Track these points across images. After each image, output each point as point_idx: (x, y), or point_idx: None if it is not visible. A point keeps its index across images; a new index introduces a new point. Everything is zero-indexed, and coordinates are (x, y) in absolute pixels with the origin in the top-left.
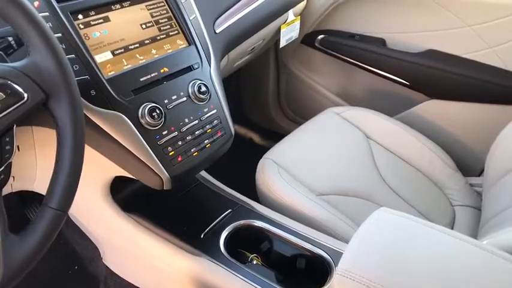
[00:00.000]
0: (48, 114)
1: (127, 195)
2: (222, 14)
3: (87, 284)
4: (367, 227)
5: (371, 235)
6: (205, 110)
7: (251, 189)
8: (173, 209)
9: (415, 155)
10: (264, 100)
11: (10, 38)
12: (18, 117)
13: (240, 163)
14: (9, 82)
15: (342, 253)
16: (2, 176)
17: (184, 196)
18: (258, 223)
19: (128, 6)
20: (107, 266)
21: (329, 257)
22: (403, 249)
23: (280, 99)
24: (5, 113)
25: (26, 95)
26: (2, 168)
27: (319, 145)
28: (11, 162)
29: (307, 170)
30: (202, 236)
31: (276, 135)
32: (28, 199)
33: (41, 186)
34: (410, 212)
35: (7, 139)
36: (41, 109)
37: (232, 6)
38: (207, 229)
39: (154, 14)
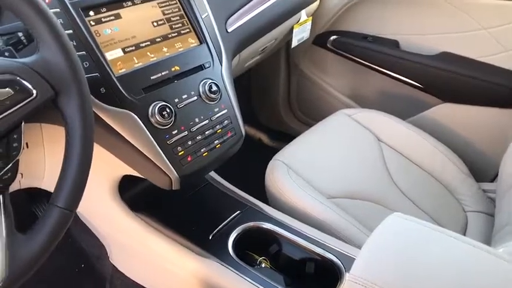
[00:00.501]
0: (57, 111)
1: (135, 195)
2: (234, 13)
3: (93, 282)
4: (380, 232)
5: (384, 241)
6: (216, 109)
7: (260, 190)
8: (181, 209)
9: (427, 159)
10: (274, 101)
11: (20, 34)
12: (27, 113)
13: (248, 164)
14: (18, 78)
15: (353, 258)
16: (9, 174)
17: (192, 196)
18: (267, 225)
19: (139, 3)
20: (113, 265)
21: (339, 262)
22: (416, 255)
23: (290, 100)
24: (14, 109)
25: (34, 92)
26: (9, 166)
27: (329, 147)
28: (18, 160)
29: (318, 172)
30: (210, 238)
31: (285, 136)
32: (36, 196)
33: (49, 183)
34: (421, 217)
35: (15, 136)
36: (50, 106)
37: (245, 5)
38: (216, 230)
39: (166, 12)
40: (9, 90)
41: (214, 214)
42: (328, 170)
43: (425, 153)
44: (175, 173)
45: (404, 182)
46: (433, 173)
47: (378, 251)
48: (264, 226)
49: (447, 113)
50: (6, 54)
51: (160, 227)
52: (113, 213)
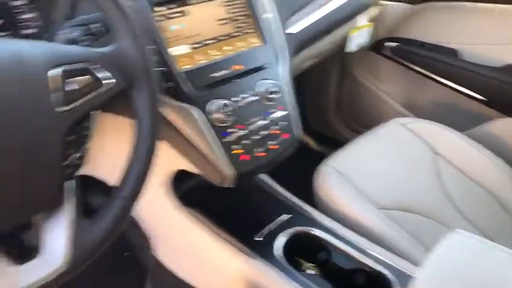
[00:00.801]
0: (127, 102)
1: (186, 190)
2: (294, 14)
3: (134, 271)
4: (443, 249)
5: (446, 259)
6: (274, 110)
7: (305, 194)
8: (229, 207)
9: (485, 175)
10: (324, 105)
11: (98, 25)
12: (101, 103)
13: (294, 166)
14: (93, 67)
15: (405, 272)
16: (78, 161)
17: (240, 195)
18: (316, 232)
19: (206, 1)
20: (155, 257)
21: (391, 275)
22: (481, 275)
23: (341, 105)
24: (87, 98)
25: (110, 81)
26: (80, 153)
27: (382, 156)
28: (87, 148)
29: (369, 181)
30: (257, 238)
31: (333, 142)
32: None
33: (104, 172)
34: (476, 234)
35: (85, 124)
36: (119, 97)
37: (305, 7)
38: (262, 231)
39: (231, 11)
40: (84, 78)
41: (261, 215)
42: (380, 179)
43: (483, 169)
44: (230, 170)
45: (459, 198)
46: (490, 190)
47: (440, 269)
48: (313, 232)
49: (509, 127)
50: (84, 43)
51: (208, 223)
52: (163, 206)
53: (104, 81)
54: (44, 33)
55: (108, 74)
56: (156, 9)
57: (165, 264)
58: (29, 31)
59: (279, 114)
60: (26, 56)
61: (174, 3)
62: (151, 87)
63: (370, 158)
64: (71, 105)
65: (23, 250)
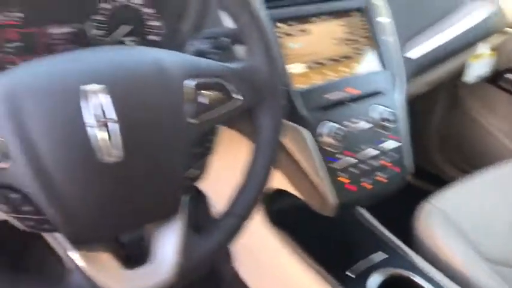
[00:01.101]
0: (250, 120)
1: (279, 209)
2: (414, 36)
3: (212, 281)
4: None
5: None
6: (387, 140)
7: (399, 231)
8: (321, 235)
9: None
10: (426, 137)
11: (226, 39)
12: (229, 118)
13: (390, 201)
14: (224, 82)
15: None
16: (197, 174)
17: (335, 225)
18: (417, 278)
19: (326, 20)
20: (235, 269)
21: None
22: None
23: (446, 139)
24: (217, 112)
25: (238, 97)
26: (202, 165)
27: (492, 200)
28: (208, 162)
29: (476, 227)
30: (349, 274)
31: (434, 179)
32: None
33: (208, 185)
34: None
35: (210, 137)
36: (244, 114)
37: (426, 29)
38: (355, 267)
39: (351, 31)
40: (215, 93)
41: (355, 249)
42: (491, 228)
43: None
44: (334, 199)
45: None
46: None
47: None
48: (413, 278)
49: None
50: (213, 57)
51: (298, 248)
52: (254, 222)
53: (234, 97)
54: (169, 41)
55: (238, 90)
56: (279, 25)
57: (244, 279)
58: (155, 38)
59: (391, 144)
60: (167, 64)
61: (296, 21)
62: (278, 108)
63: (480, 202)
64: (201, 118)
65: (132, 255)
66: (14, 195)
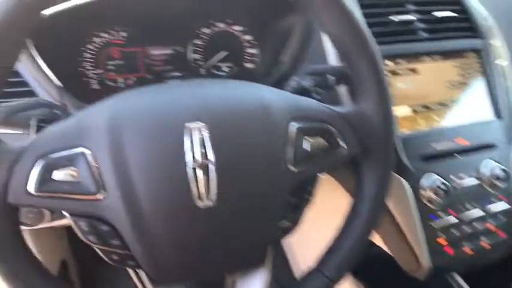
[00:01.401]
0: (353, 170)
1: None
2: None
3: None
4: None
5: None
6: (496, 200)
7: None
8: None
9: None
10: None
11: (332, 77)
12: (329, 167)
13: (490, 271)
14: (330, 127)
15: None
16: (292, 225)
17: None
18: None
19: (438, 59)
20: None
21: None
22: None
23: None
24: (318, 161)
25: (342, 145)
26: (296, 217)
27: None
28: (303, 213)
29: None
30: None
31: None
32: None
33: (305, 242)
34: None
35: (309, 188)
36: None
37: None
38: None
39: (464, 74)
40: (321, 140)
41: None
42: None
43: None
44: (427, 261)
45: None
46: None
47: None
48: None
49: None
50: (316, 96)
51: None
52: None
53: (339, 145)
54: (267, 72)
55: (344, 138)
56: (386, 62)
57: None
58: (251, 66)
59: (499, 206)
60: (273, 105)
61: (405, 59)
62: (387, 163)
63: None
64: (302, 165)
65: None
66: (104, 228)
